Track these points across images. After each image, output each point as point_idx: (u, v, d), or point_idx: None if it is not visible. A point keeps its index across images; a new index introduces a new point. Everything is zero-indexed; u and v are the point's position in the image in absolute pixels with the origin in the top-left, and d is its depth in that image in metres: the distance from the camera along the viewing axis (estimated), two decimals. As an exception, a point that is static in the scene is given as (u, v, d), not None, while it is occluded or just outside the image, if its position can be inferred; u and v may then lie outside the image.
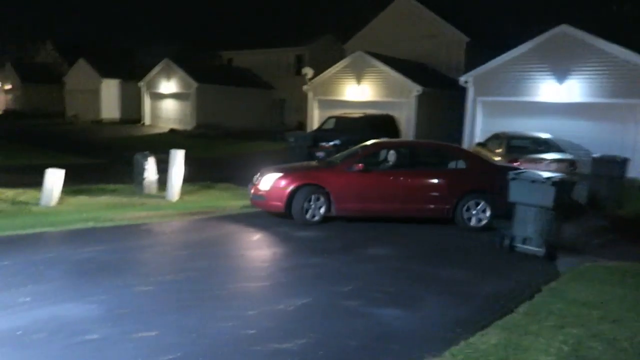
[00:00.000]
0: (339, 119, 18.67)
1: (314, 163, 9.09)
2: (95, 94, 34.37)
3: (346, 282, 5.45)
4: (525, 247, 6.84)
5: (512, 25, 27.31)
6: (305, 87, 23.93)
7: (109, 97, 34.16)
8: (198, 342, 3.84)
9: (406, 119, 20.10)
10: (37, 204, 8.51)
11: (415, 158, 8.76)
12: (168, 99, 31.04)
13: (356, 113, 19.53)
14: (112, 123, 32.69)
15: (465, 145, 17.35)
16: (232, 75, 32.26)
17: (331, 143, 16.29)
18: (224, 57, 36.47)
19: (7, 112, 40.62)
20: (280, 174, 8.08)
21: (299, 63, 31.49)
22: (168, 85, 30.58)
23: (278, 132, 23.58)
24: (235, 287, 5.15)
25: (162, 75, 30.83)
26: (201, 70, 30.00)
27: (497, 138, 13.53)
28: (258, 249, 6.71)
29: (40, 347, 3.59)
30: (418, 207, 8.25)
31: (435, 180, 8.30)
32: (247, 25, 39.33)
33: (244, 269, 5.93)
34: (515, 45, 16.34)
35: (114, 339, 3.78)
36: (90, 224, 7.41)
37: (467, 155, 8.97)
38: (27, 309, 4.22)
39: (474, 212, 8.28)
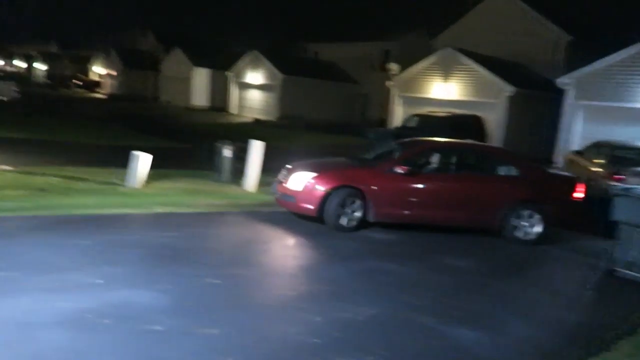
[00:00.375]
0: (423, 118, 18.02)
1: (348, 161, 8.24)
2: (187, 81, 36.00)
3: (420, 293, 5.08)
4: (629, 272, 6.07)
5: (620, 23, 24.92)
6: (389, 83, 23.41)
7: (200, 85, 35.62)
8: (259, 345, 3.69)
9: (495, 120, 19.02)
10: (123, 185, 8.89)
11: (462, 161, 7.96)
12: (254, 89, 31.78)
13: (441, 112, 18.75)
14: (201, 110, 34.07)
15: (559, 152, 16.06)
16: (317, 68, 32.37)
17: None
18: (311, 50, 36.70)
19: (110, 95, 43.71)
20: (314, 174, 7.30)
21: (385, 58, 30.89)
22: (255, 76, 31.29)
23: (363, 127, 23.32)
24: (304, 289, 4.97)
25: (249, 66, 31.60)
26: (287, 63, 30.39)
27: (597, 147, 12.29)
28: (332, 247, 6.51)
29: (105, 333, 3.60)
30: (465, 215, 7.54)
31: (485, 187, 7.63)
32: (335, 18, 39.25)
33: (314, 268, 5.74)
34: (623, 46, 14.82)
35: (176, 333, 3.73)
36: (169, 209, 7.58)
37: (519, 161, 8.11)
38: (99, 291, 4.29)
39: (524, 223, 7.54)
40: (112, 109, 31.09)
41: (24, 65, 67.97)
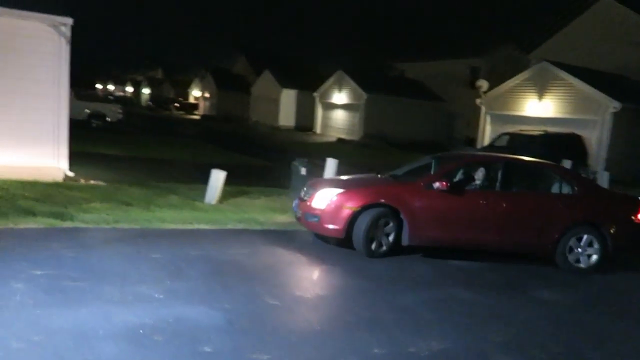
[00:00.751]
0: (514, 136, 16.94)
1: (379, 177, 7.53)
2: (275, 102, 37.13)
3: (499, 327, 4.52)
4: None
5: None
6: (478, 101, 22.41)
7: (287, 106, 36.59)
8: (309, 376, 3.40)
9: (597, 139, 17.40)
10: (202, 200, 9.09)
11: (510, 177, 6.96)
12: (338, 109, 31.98)
13: (534, 130, 17.53)
14: (287, 130, 34.89)
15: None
16: (402, 86, 31.95)
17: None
18: (397, 69, 36.38)
19: (204, 116, 46.27)
20: (340, 190, 6.55)
21: (474, 75, 29.77)
22: (339, 96, 31.51)
23: (450, 146, 22.48)
24: (365, 315, 4.62)
25: (334, 86, 31.90)
26: (372, 82, 30.29)
27: None
28: (401, 269, 6.09)
29: (153, 351, 3.51)
30: (514, 239, 6.70)
31: (537, 206, 6.80)
32: (422, 36, 38.68)
33: (380, 291, 5.36)
34: None
35: (225, 356, 3.55)
36: (241, 226, 7.58)
37: (576, 178, 7.29)
38: (157, 306, 4.25)
39: (579, 249, 6.70)
40: (204, 128, 32.75)
41: (131, 89, 74.22)
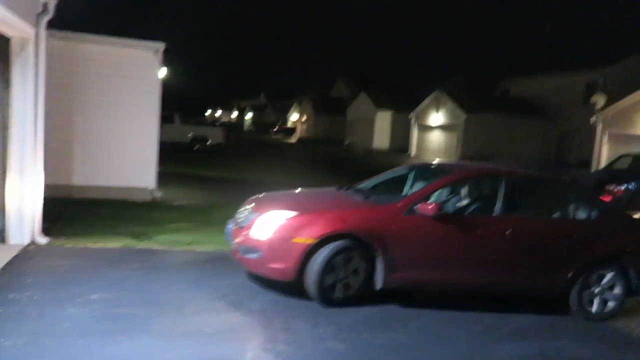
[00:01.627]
0: (638, 158, 14.79)
1: (346, 193, 5.76)
2: (370, 124, 36.76)
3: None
4: None
5: None
6: (593, 119, 20.17)
7: (381, 128, 36.05)
8: None
9: None
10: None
11: (514, 198, 5.29)
12: (435, 130, 30.78)
13: (664, 151, 15.22)
14: (381, 152, 34.25)
15: None
16: (506, 105, 30.01)
17: (623, 187, 12.91)
18: (501, 87, 34.37)
19: (300, 139, 47.16)
20: (292, 213, 4.86)
21: (589, 91, 27.08)
22: (436, 117, 30.34)
23: (559, 169, 20.40)
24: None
25: (431, 106, 30.81)
26: (471, 101, 28.80)
27: None
28: (494, 317, 5.16)
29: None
30: (519, 278, 5.19)
31: (548, 236, 5.28)
32: (528, 51, 36.27)
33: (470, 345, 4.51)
34: None
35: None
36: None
37: (595, 201, 5.81)
38: (206, 343, 3.84)
39: (597, 289, 5.29)
40: (299, 151, 33.17)
41: (236, 114, 78.29)
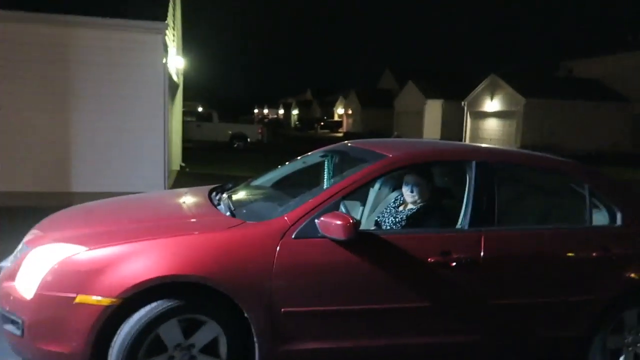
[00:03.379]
0: None
1: (199, 204, 3.31)
2: (419, 114, 34.65)
3: None
4: None
5: None
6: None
7: (432, 117, 33.86)
8: None
9: None
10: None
11: (490, 198, 2.94)
12: (490, 118, 28.33)
13: None
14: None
15: None
16: (571, 87, 27.11)
17: None
18: (564, 68, 31.35)
19: (346, 133, 45.59)
20: (78, 248, 2.55)
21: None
22: (491, 104, 27.89)
23: None
24: None
25: (486, 92, 28.37)
26: (531, 84, 26.18)
27: None
28: None
29: None
30: (505, 333, 2.93)
31: (552, 259, 2.96)
32: (595, 28, 32.99)
33: None
34: None
35: None
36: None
37: (619, 195, 3.17)
38: None
39: (630, 338, 3.07)
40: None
41: (282, 112, 77.72)
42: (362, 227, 2.82)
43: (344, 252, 2.62)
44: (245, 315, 2.54)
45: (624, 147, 24.61)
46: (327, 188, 2.85)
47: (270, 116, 79.21)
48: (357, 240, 2.59)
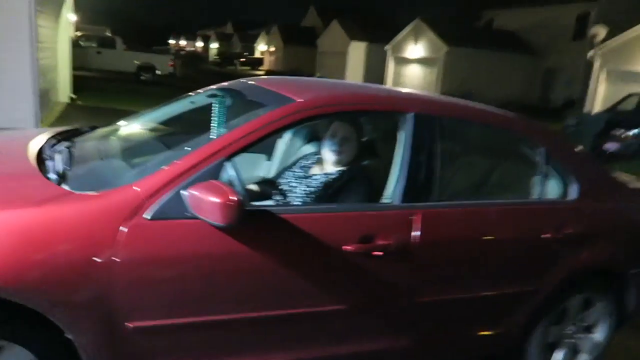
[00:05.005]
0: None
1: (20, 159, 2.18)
2: (343, 56, 33.74)
3: None
4: None
5: None
6: (590, 53, 17.91)
7: (355, 60, 33.11)
8: None
9: None
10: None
11: (429, 164, 2.19)
12: (413, 64, 28.13)
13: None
14: (354, 87, 31.62)
15: None
16: (490, 38, 27.38)
17: (632, 132, 10.97)
18: (485, 17, 31.56)
19: (268, 72, 43.80)
20: None
21: (581, 24, 24.69)
22: (415, 49, 27.57)
23: (558, 110, 18.39)
24: None
25: (410, 37, 27.95)
26: (453, 32, 26.05)
27: None
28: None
29: None
30: (440, 329, 2.34)
31: (498, 241, 2.34)
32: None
33: None
34: None
35: None
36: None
37: (571, 157, 2.59)
38: None
39: (571, 329, 2.65)
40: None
41: (201, 44, 73.18)
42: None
43: (226, 239, 1.78)
44: (69, 337, 1.68)
45: (533, 99, 25.53)
46: (203, 144, 1.94)
47: (187, 48, 74.22)
48: (245, 223, 1.76)
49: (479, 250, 2.30)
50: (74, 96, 11.71)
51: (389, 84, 29.84)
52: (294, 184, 2.49)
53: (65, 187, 1.86)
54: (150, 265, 1.74)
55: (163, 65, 22.76)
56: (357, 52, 33.03)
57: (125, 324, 1.73)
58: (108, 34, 30.71)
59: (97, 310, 1.69)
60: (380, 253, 2.02)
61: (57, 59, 10.30)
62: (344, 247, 1.96)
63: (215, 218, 1.69)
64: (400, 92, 2.80)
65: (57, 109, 9.92)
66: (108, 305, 1.69)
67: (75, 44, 18.28)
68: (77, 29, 24.27)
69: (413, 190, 2.14)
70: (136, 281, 1.72)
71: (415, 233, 2.09)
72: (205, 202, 1.69)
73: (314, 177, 2.46)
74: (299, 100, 2.11)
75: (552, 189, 2.50)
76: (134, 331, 1.75)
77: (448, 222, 2.21)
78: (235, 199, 1.68)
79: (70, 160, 2.16)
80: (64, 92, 11.11)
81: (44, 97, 7.80)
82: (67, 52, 11.15)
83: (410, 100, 2.49)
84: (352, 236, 1.99)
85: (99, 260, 1.66)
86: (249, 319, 1.92)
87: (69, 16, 11.95)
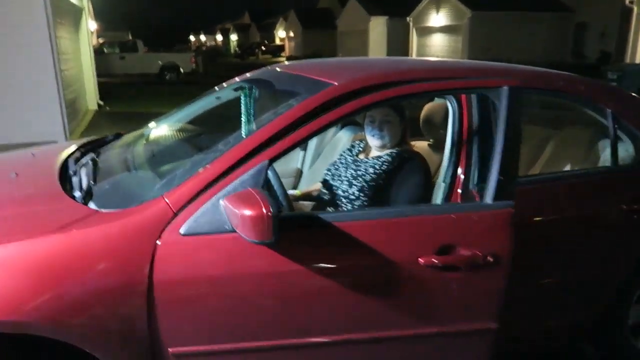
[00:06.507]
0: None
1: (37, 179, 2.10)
2: (363, 34, 33.07)
3: None
4: None
5: None
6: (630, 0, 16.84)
7: (376, 36, 32.39)
8: None
9: None
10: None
11: (517, 147, 1.84)
12: (436, 34, 27.32)
13: None
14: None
15: None
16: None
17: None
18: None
19: (290, 57, 43.47)
20: None
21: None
22: (437, 18, 26.75)
23: (597, 65, 17.44)
24: None
25: (431, 6, 27.12)
26: (477, -5, 25.07)
27: None
28: None
29: None
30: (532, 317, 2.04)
31: (588, 223, 2.05)
32: None
33: None
34: None
35: None
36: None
37: None
38: None
39: None
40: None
41: (220, 38, 73.36)
42: (303, 188, 1.96)
43: (272, 256, 1.55)
44: None
45: (566, 57, 24.45)
46: (234, 145, 1.67)
47: (208, 44, 74.56)
48: (291, 236, 1.54)
49: (573, 233, 1.99)
50: (101, 103, 11.79)
51: (413, 54, 29.13)
52: (340, 170, 2.26)
53: (91, 205, 1.72)
54: (187, 286, 1.56)
55: (185, 63, 22.79)
56: (378, 28, 32.30)
57: (168, 350, 1.59)
58: (129, 38, 30.98)
59: (138, 340, 1.55)
60: (466, 267, 1.71)
61: (81, 69, 10.35)
62: (419, 259, 1.67)
63: (248, 234, 1.46)
64: (476, 63, 2.48)
65: (86, 118, 9.99)
66: (149, 334, 1.55)
67: (99, 51, 18.47)
68: (98, 36, 24.56)
69: (507, 184, 1.76)
70: (174, 305, 1.56)
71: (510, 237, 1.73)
72: (236, 215, 1.46)
73: (364, 161, 2.21)
74: (336, 83, 1.80)
75: (622, 155, 2.18)
76: (175, 357, 1.60)
77: (547, 211, 1.89)
78: (268, 212, 1.41)
79: (95, 174, 2.03)
80: (91, 100, 11.19)
81: (71, 107, 7.81)
82: (90, 61, 11.20)
83: (503, 72, 2.05)
84: (429, 245, 1.69)
85: (129, 285, 1.51)
86: (304, 344, 1.70)
87: (89, 25, 11.98)
